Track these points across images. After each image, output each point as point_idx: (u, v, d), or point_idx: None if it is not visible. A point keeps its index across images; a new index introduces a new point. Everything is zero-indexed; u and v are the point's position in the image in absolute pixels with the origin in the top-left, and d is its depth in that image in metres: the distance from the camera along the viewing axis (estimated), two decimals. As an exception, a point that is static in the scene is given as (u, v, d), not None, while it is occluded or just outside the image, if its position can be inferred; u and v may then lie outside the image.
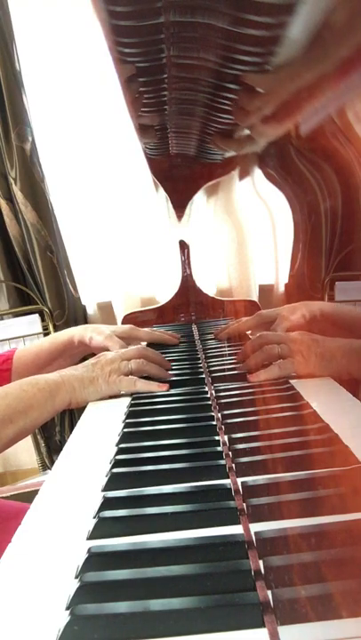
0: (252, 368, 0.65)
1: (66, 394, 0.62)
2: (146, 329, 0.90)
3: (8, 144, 1.44)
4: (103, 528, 0.35)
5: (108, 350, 0.75)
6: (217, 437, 0.48)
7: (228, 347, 0.83)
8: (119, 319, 1.32)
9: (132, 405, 0.62)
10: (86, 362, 0.68)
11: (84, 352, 0.87)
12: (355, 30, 0.33)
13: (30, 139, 1.45)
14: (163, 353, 0.87)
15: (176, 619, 0.26)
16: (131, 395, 0.65)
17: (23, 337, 1.50)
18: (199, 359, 0.79)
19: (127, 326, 0.86)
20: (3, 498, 1.06)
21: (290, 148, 0.64)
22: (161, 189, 0.99)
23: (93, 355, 0.73)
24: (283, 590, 0.26)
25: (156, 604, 0.27)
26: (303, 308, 0.74)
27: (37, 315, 1.53)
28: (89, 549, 0.32)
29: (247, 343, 0.70)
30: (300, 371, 0.63)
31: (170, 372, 0.71)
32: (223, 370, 0.69)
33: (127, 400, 0.64)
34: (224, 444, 0.46)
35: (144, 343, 0.87)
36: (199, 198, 1.00)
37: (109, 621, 0.26)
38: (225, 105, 0.58)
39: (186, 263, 1.12)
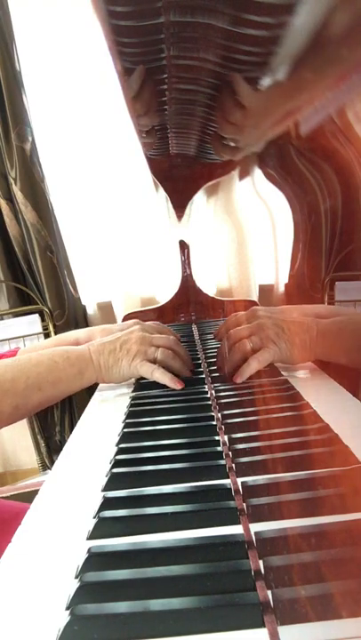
0: (232, 371, 0.64)
1: (93, 372, 0.64)
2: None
3: (8, 144, 1.44)
4: (103, 528, 0.35)
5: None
6: (217, 437, 0.48)
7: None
8: (119, 319, 1.32)
9: (132, 405, 0.62)
10: (117, 335, 0.68)
11: None
12: (355, 30, 0.33)
13: (30, 139, 1.45)
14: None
15: (176, 619, 0.26)
16: (131, 395, 0.65)
17: (23, 337, 1.50)
18: (199, 359, 0.79)
19: (132, 322, 0.87)
20: (3, 498, 1.06)
21: (290, 148, 0.64)
22: (161, 189, 0.99)
23: None
24: (283, 590, 0.26)
25: (156, 604, 0.27)
26: (297, 312, 0.74)
27: (37, 315, 1.53)
28: (89, 549, 0.32)
29: (219, 348, 0.69)
30: (279, 358, 0.63)
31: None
32: (223, 370, 0.69)
33: (127, 400, 0.64)
34: (224, 443, 0.46)
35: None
36: (199, 198, 1.00)
37: (109, 621, 0.26)
38: (225, 105, 0.58)
39: (186, 263, 1.12)
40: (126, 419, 0.57)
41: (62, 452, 0.51)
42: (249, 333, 0.65)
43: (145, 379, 0.67)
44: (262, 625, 0.25)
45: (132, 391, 0.68)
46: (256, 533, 0.31)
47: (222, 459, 0.43)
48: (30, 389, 0.59)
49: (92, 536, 0.34)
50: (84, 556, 0.32)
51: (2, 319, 1.55)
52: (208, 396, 0.61)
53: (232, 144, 0.67)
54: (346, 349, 0.62)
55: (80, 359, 0.63)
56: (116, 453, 0.47)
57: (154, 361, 0.66)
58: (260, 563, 0.29)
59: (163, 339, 0.68)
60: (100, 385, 0.73)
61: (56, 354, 0.63)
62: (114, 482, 0.41)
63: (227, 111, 0.55)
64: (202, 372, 0.71)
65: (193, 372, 0.71)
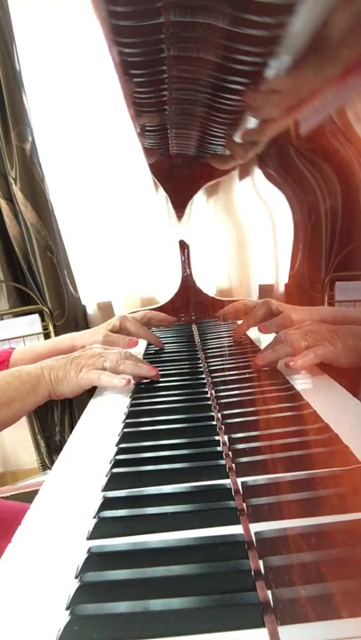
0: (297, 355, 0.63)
1: (46, 387, 0.64)
2: (138, 316, 0.90)
3: (8, 144, 1.44)
4: (103, 528, 0.35)
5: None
6: (217, 437, 0.48)
7: (228, 347, 0.84)
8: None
9: (132, 405, 0.62)
10: (71, 353, 0.69)
11: None
12: (355, 30, 0.33)
13: (30, 139, 1.45)
14: (163, 353, 0.87)
15: (176, 619, 0.26)
16: (131, 395, 0.65)
17: (23, 337, 1.50)
18: (199, 359, 0.79)
19: (117, 318, 0.87)
20: (3, 498, 1.06)
21: (290, 148, 0.64)
22: (161, 189, 0.99)
23: None
24: (283, 590, 0.26)
25: (156, 604, 0.27)
26: (304, 313, 0.73)
27: (37, 315, 1.53)
28: (89, 549, 0.32)
29: (274, 340, 0.67)
30: (333, 357, 0.62)
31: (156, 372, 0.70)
32: (223, 370, 0.69)
33: (127, 400, 0.64)
34: (224, 443, 0.46)
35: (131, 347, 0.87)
36: (199, 198, 1.00)
37: (109, 621, 0.26)
38: (225, 105, 0.58)
39: (186, 263, 1.12)
40: (126, 419, 0.57)
41: (62, 452, 0.51)
42: (305, 333, 0.64)
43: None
44: (262, 625, 0.25)
45: (133, 391, 0.68)
46: (256, 533, 0.31)
47: (222, 459, 0.43)
48: None
49: (91, 536, 0.34)
50: (84, 555, 0.32)
51: (2, 319, 1.54)
52: (208, 396, 0.61)
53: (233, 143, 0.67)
54: None
55: (32, 376, 0.64)
56: (116, 453, 0.47)
57: (103, 369, 0.66)
58: (260, 563, 0.29)
59: (113, 354, 0.68)
60: None
61: (7, 374, 0.64)
62: (114, 482, 0.41)
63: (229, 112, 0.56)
64: (202, 372, 0.71)
65: (193, 373, 0.71)
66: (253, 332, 0.85)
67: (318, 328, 0.65)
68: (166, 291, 1.16)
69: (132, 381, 0.67)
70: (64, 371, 0.65)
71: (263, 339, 0.84)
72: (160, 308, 1.16)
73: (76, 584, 0.29)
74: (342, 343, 0.62)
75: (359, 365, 0.63)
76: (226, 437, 0.47)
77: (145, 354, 0.91)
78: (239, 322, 0.91)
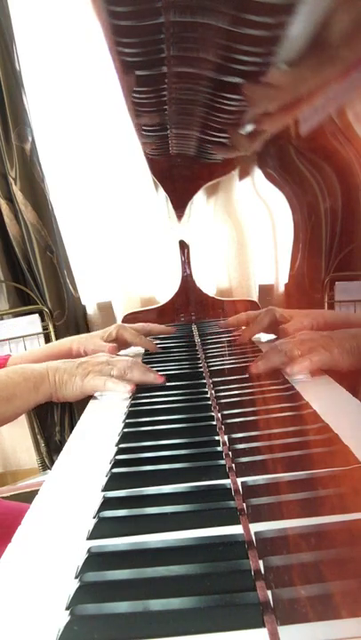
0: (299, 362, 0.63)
1: (48, 388, 0.64)
2: (137, 327, 0.90)
3: (8, 144, 1.44)
4: (103, 528, 0.35)
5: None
6: (217, 437, 0.48)
7: (228, 347, 0.83)
8: (119, 319, 1.32)
9: (132, 405, 0.62)
10: (78, 359, 0.69)
11: None
12: (355, 30, 0.33)
13: (30, 139, 1.45)
14: (163, 354, 0.87)
15: (176, 619, 0.26)
16: (131, 395, 0.65)
17: (23, 337, 1.50)
18: (199, 359, 0.79)
19: (114, 327, 0.86)
20: (3, 498, 1.06)
21: (290, 148, 0.64)
22: (161, 189, 0.99)
23: None
24: (283, 590, 0.26)
25: (156, 604, 0.27)
26: (307, 318, 0.73)
27: (37, 315, 1.53)
28: (89, 549, 0.32)
29: (270, 349, 0.68)
30: (331, 362, 0.62)
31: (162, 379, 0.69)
32: (223, 370, 0.69)
33: (127, 400, 0.64)
34: (224, 444, 0.46)
35: (138, 353, 0.87)
36: (199, 198, 1.00)
37: (109, 621, 0.26)
38: (225, 105, 0.58)
39: (186, 263, 1.12)
40: (126, 419, 0.57)
41: (62, 452, 0.51)
42: (300, 341, 0.65)
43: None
44: (262, 625, 0.25)
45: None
46: (256, 533, 0.31)
47: (222, 459, 0.43)
48: None
49: (91, 536, 0.34)
50: (84, 556, 0.32)
51: (2, 319, 1.55)
52: (208, 396, 0.61)
53: (232, 143, 0.67)
54: None
55: (35, 374, 0.64)
56: (116, 453, 0.47)
57: (109, 377, 0.66)
58: (260, 563, 0.29)
59: (122, 361, 0.68)
60: None
61: (10, 370, 0.63)
62: (114, 482, 0.41)
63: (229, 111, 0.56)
64: (202, 373, 0.71)
65: (193, 372, 0.70)
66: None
67: (312, 336, 0.65)
68: (166, 291, 1.15)
69: None
70: (69, 374, 0.65)
71: (264, 339, 0.84)
72: (160, 308, 1.16)
73: (76, 584, 0.29)
74: (338, 347, 0.62)
75: (358, 367, 0.63)
76: (226, 437, 0.47)
77: (145, 354, 0.91)
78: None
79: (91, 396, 0.69)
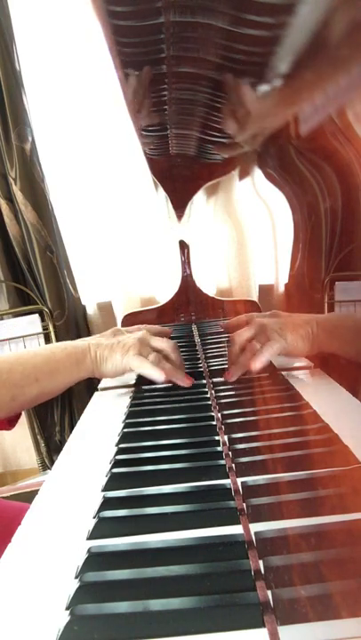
0: (242, 372, 0.64)
1: (90, 364, 0.65)
2: (133, 329, 0.89)
3: (8, 144, 1.44)
4: (103, 528, 0.35)
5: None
6: (217, 437, 0.48)
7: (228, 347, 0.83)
8: (119, 319, 1.32)
9: (132, 405, 0.62)
10: (118, 337, 0.69)
11: None
12: (355, 30, 0.33)
13: (30, 139, 1.45)
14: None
15: (176, 619, 0.26)
16: (131, 395, 0.65)
17: (23, 337, 1.50)
18: (199, 359, 0.79)
19: (110, 331, 0.85)
20: (3, 498, 1.06)
21: (290, 148, 0.64)
22: (161, 189, 0.99)
23: None
24: (283, 590, 0.26)
25: (156, 604, 0.27)
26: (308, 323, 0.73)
27: (37, 315, 1.53)
28: (89, 549, 0.32)
29: (229, 352, 0.68)
30: (286, 349, 0.63)
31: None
32: (223, 370, 0.69)
33: (127, 400, 0.64)
34: (224, 444, 0.46)
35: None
36: (199, 198, 1.00)
37: (109, 621, 0.26)
38: (225, 105, 0.58)
39: (186, 263, 1.12)
40: (126, 419, 0.57)
41: (62, 452, 0.51)
42: (253, 334, 0.65)
43: (144, 379, 0.67)
44: (262, 625, 0.25)
45: (133, 391, 0.68)
46: (256, 533, 0.31)
47: (222, 459, 0.43)
48: (27, 379, 0.59)
49: (91, 536, 0.34)
50: (84, 556, 0.32)
51: (2, 319, 1.55)
52: (208, 396, 0.61)
53: (232, 142, 0.67)
54: (345, 341, 0.63)
55: (77, 350, 0.64)
56: (116, 453, 0.47)
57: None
58: (260, 563, 0.29)
59: (162, 341, 0.68)
60: (101, 384, 0.73)
61: (54, 346, 0.64)
62: (114, 482, 0.41)
63: (229, 110, 0.56)
64: (202, 373, 0.71)
65: (191, 381, 0.70)
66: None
67: (266, 322, 0.66)
68: (166, 291, 1.15)
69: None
70: (110, 350, 0.65)
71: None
72: (160, 308, 1.16)
73: (76, 584, 0.29)
74: (292, 333, 0.63)
75: (314, 353, 0.64)
76: (226, 437, 0.47)
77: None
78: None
79: (90, 395, 0.69)
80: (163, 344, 0.68)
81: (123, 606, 0.27)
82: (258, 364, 0.61)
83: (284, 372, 0.67)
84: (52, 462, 1.44)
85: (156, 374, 0.63)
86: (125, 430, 0.54)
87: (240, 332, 0.67)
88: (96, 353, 0.65)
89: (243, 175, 0.84)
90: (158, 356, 0.66)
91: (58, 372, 0.62)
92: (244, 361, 0.64)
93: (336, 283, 1.01)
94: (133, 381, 0.72)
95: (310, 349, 0.64)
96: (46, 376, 0.60)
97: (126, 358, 0.64)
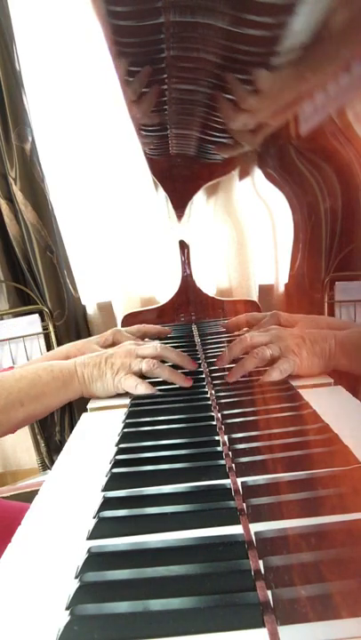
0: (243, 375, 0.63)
1: (78, 385, 0.63)
2: (132, 329, 0.89)
3: (8, 144, 1.44)
4: (103, 528, 0.35)
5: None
6: (217, 437, 0.48)
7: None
8: (119, 319, 1.32)
9: (132, 405, 0.62)
10: (106, 351, 0.68)
11: None
12: (355, 30, 0.33)
13: (30, 139, 1.45)
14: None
15: (176, 619, 0.26)
16: (131, 395, 0.65)
17: (23, 337, 1.50)
18: (199, 359, 0.79)
19: (110, 332, 0.84)
20: (3, 498, 1.06)
21: (290, 148, 0.64)
22: (161, 189, 0.99)
23: None
24: (283, 590, 0.26)
25: (156, 604, 0.27)
26: (311, 324, 0.72)
27: (37, 315, 1.53)
28: (89, 549, 0.32)
29: (235, 348, 0.67)
30: (299, 369, 0.62)
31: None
32: (223, 370, 0.69)
33: (127, 400, 0.64)
34: (224, 444, 0.46)
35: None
36: (199, 198, 1.00)
37: (109, 621, 0.26)
38: (225, 105, 0.58)
39: (186, 263, 1.12)
40: (126, 419, 0.57)
41: (62, 452, 0.51)
42: (267, 342, 0.64)
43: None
44: (262, 625, 0.25)
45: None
46: (256, 533, 0.31)
47: (222, 459, 0.43)
48: (11, 405, 0.58)
49: (91, 536, 0.34)
50: (84, 556, 0.32)
51: (2, 319, 1.55)
52: (208, 396, 0.61)
53: (232, 142, 0.67)
54: None
55: (64, 372, 0.63)
56: (116, 453, 0.47)
57: (139, 372, 0.65)
58: (260, 563, 0.29)
59: (148, 348, 0.67)
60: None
61: (40, 367, 0.62)
62: (114, 482, 0.41)
63: (228, 110, 0.56)
64: (202, 372, 0.71)
65: (193, 373, 0.70)
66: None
67: (284, 334, 0.64)
68: (166, 291, 1.15)
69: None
70: (99, 370, 0.63)
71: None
72: (160, 308, 1.16)
73: (76, 584, 0.29)
74: (308, 350, 0.61)
75: (327, 371, 0.62)
76: (226, 437, 0.47)
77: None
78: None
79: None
80: (150, 350, 0.66)
81: (123, 606, 0.27)
82: (266, 378, 0.61)
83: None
84: (52, 462, 1.44)
85: (151, 391, 0.63)
86: (125, 430, 0.53)
87: (256, 335, 0.65)
88: (83, 373, 0.63)
89: (243, 175, 0.84)
90: (151, 361, 0.65)
91: (44, 396, 0.60)
92: (250, 366, 0.63)
93: (336, 283, 1.01)
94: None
95: (325, 368, 0.62)
96: (32, 400, 0.59)
97: (117, 379, 0.63)
